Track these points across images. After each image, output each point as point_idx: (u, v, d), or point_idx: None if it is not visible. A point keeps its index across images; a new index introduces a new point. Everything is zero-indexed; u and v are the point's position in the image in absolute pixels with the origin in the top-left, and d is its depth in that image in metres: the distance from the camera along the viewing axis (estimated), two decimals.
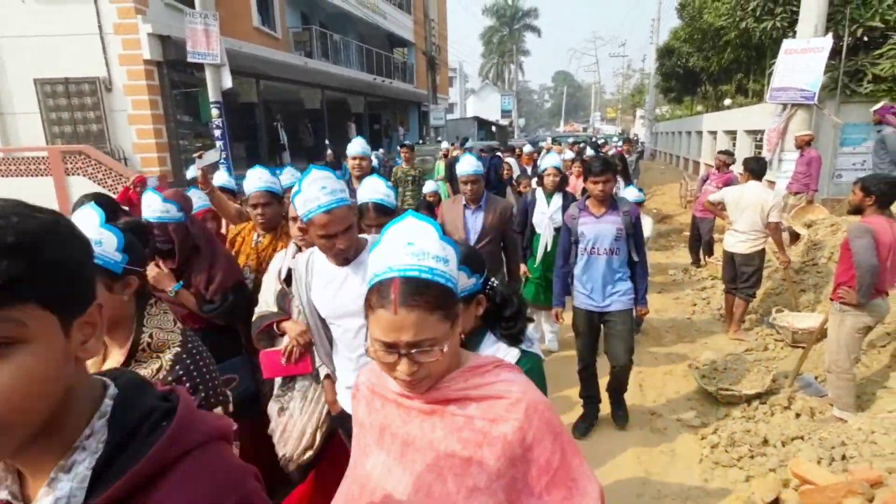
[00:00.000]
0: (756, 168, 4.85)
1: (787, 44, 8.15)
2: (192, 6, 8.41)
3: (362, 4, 18.36)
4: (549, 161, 4.55)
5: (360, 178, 3.99)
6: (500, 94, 46.65)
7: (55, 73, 9.52)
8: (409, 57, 24.90)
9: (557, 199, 4.33)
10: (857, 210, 3.28)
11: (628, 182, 6.38)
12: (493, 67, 54.14)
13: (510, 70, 52.17)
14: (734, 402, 3.58)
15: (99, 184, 8.82)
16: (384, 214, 2.19)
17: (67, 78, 9.56)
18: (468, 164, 3.49)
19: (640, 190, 5.61)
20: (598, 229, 3.15)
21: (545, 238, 4.31)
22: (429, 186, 6.15)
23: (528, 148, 11.81)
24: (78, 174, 8.91)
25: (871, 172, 6.55)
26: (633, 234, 3.15)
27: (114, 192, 8.93)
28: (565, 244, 3.30)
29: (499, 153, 10.44)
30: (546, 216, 4.31)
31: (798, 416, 3.35)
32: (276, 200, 2.75)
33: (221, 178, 3.83)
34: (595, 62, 57.65)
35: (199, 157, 3.52)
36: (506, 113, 41.35)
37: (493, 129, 33.76)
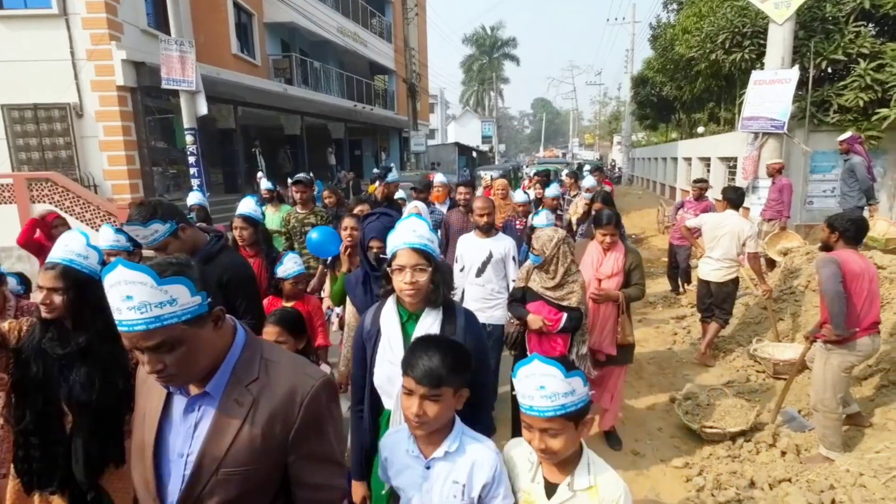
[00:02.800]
0: (734, 198, 4.87)
1: (755, 75, 8.38)
2: (169, 32, 8.33)
3: (342, 33, 18.53)
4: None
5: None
6: (480, 121, 47.36)
7: (24, 99, 9.28)
8: (390, 84, 25.14)
9: None
10: (826, 247, 3.34)
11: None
12: (473, 94, 55.10)
13: (490, 97, 53.14)
14: (718, 440, 3.48)
15: (66, 211, 8.52)
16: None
17: (36, 104, 9.32)
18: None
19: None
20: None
21: None
22: None
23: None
24: (44, 201, 8.61)
25: (840, 199, 6.74)
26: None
27: (81, 220, 8.66)
28: None
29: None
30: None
31: (784, 454, 3.25)
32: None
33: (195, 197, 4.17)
34: (573, 90, 58.95)
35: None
36: (486, 139, 41.90)
37: (474, 154, 34.09)
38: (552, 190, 5.91)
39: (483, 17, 73.01)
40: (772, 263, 6.42)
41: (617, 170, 31.71)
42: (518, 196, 5.91)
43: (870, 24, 9.00)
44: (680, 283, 7.06)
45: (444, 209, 5.46)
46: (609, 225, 3.36)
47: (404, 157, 25.23)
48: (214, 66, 11.48)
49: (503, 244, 3.60)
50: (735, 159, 10.89)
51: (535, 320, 2.89)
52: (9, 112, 9.34)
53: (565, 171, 9.07)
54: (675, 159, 17.24)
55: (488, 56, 52.30)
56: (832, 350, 3.10)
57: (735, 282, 4.83)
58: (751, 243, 4.60)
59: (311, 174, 7.20)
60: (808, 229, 8.35)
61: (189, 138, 8.54)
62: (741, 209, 4.91)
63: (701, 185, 6.78)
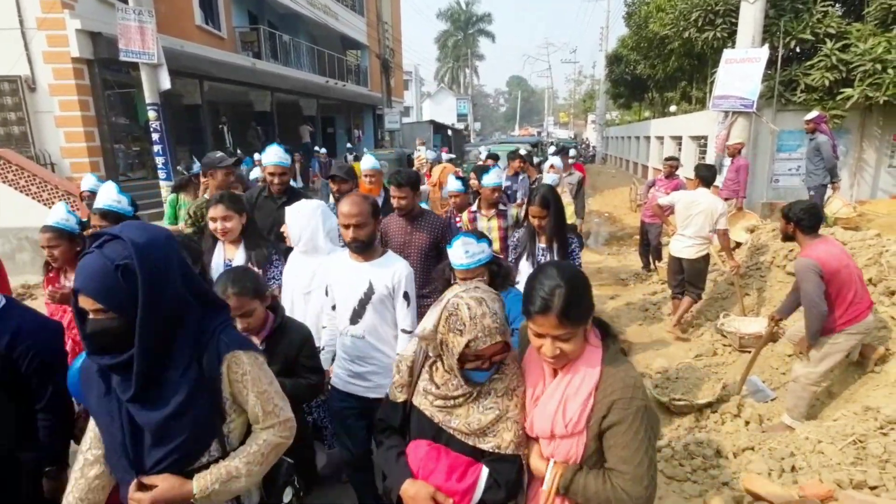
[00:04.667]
0: (706, 175, 4.94)
1: (727, 53, 8.47)
2: (126, 1, 7.88)
3: (312, 5, 17.92)
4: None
5: (281, 193, 3.39)
6: (455, 98, 46.83)
7: None
8: (363, 60, 24.54)
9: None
10: (786, 237, 3.36)
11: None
12: (448, 71, 54.34)
13: (465, 74, 52.51)
14: (687, 412, 3.59)
15: (21, 191, 8.11)
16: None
17: None
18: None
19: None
20: None
21: None
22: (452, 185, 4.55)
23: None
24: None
25: (806, 177, 6.92)
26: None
27: (38, 200, 8.26)
28: None
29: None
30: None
31: (747, 423, 3.38)
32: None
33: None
34: (548, 68, 58.65)
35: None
36: (461, 117, 41.49)
37: (449, 132, 33.72)
38: (491, 177, 4.02)
39: None
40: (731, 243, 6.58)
41: (591, 149, 31.93)
42: (451, 183, 4.53)
43: (837, 5, 9.16)
44: (651, 260, 7.19)
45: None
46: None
47: (378, 135, 24.82)
48: (178, 39, 10.97)
49: (391, 272, 2.23)
50: (706, 138, 11.07)
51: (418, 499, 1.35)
52: None
53: (522, 151, 7.01)
54: (647, 138, 17.43)
55: (463, 32, 51.50)
56: (843, 330, 3.13)
57: (706, 258, 4.94)
58: (722, 220, 4.70)
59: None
60: (773, 207, 8.59)
61: (152, 114, 8.16)
62: (712, 187, 5.00)
63: (672, 164, 6.85)
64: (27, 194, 8.16)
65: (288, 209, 2.79)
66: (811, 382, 3.21)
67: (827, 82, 8.32)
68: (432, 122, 29.63)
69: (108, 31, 8.82)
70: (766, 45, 8.30)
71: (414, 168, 8.66)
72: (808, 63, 8.63)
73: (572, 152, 8.89)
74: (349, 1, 21.95)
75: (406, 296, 2.23)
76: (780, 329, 3.71)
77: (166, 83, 8.06)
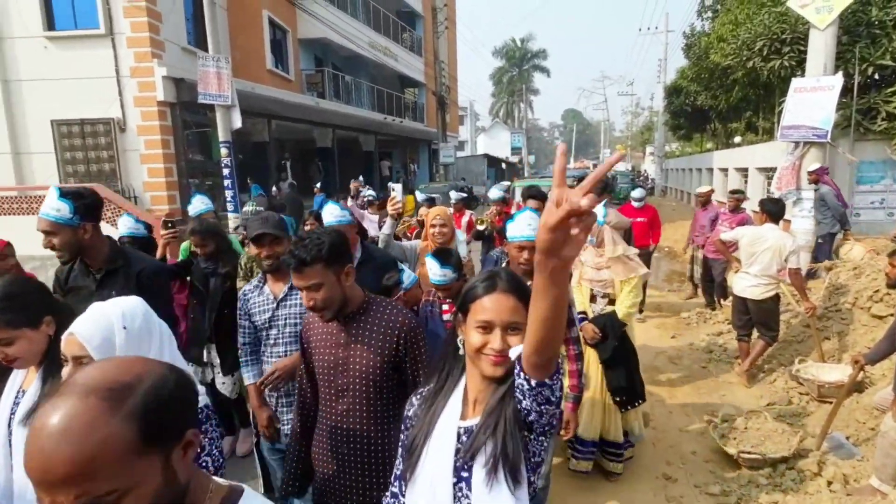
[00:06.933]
0: (774, 210, 4.65)
1: (796, 82, 8.06)
2: (207, 49, 8.63)
3: (373, 47, 18.87)
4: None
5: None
6: (509, 132, 47.26)
7: (71, 115, 9.75)
8: (420, 97, 25.42)
9: None
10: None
11: None
12: (503, 106, 55.16)
13: (520, 108, 53.06)
14: (758, 466, 3.28)
15: (107, 222, 8.87)
16: None
17: (83, 119, 9.78)
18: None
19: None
20: None
21: None
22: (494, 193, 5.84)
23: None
24: None
25: (817, 226, 6.86)
26: None
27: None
28: None
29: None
30: None
31: (830, 483, 3.04)
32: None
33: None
34: (604, 100, 58.29)
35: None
36: (516, 150, 41.74)
37: (503, 165, 33.98)
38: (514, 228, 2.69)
39: (513, 30, 73.30)
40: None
41: (650, 181, 31.08)
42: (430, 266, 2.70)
43: None
44: (715, 298, 6.79)
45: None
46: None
47: (433, 169, 25.40)
48: (250, 81, 11.82)
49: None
50: (774, 170, 10.49)
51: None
52: (58, 127, 9.83)
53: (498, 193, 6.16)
54: (710, 170, 16.77)
55: (518, 68, 52.36)
56: None
57: (775, 298, 4.59)
58: (793, 259, 4.38)
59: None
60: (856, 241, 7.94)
61: (224, 151, 8.78)
62: (781, 222, 4.69)
63: (737, 197, 6.55)
64: (112, 225, 8.90)
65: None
66: None
67: None
68: (486, 155, 29.96)
69: (189, 77, 9.65)
70: (840, 73, 7.85)
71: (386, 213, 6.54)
72: (889, 90, 8.06)
73: (637, 193, 7.19)
74: (408, 42, 22.97)
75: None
76: (866, 376, 3.36)
77: (238, 122, 8.67)
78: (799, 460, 3.26)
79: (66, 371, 1.27)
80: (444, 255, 2.53)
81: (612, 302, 3.22)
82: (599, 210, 3.27)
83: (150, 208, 9.94)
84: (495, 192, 5.77)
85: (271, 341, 2.37)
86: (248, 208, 4.60)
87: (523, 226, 2.32)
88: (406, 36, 22.83)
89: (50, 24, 9.62)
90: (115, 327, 1.25)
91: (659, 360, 5.29)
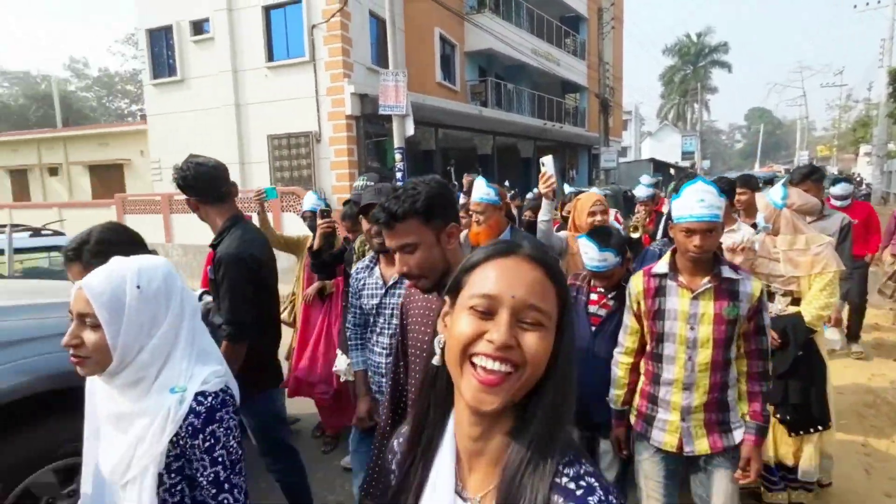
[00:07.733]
0: None
1: None
2: (387, 67, 9.65)
3: (537, 54, 19.01)
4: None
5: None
6: (680, 135, 43.42)
7: (281, 130, 11.69)
8: (581, 101, 24.83)
9: None
10: None
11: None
12: (673, 108, 50.97)
13: (693, 109, 48.44)
14: None
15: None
16: None
17: (290, 133, 11.66)
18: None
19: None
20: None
21: None
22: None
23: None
24: (290, 210, 10.65)
25: None
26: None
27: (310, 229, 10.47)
28: None
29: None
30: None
31: None
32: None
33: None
34: (801, 95, 49.95)
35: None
36: (687, 154, 38.18)
37: (672, 171, 31.31)
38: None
39: (686, 23, 67.26)
40: None
41: (864, 186, 25.79)
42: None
43: None
44: None
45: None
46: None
47: (592, 174, 24.57)
48: (420, 94, 12.86)
49: None
50: None
51: None
52: (271, 140, 11.87)
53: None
54: None
55: (693, 65, 48.00)
56: None
57: None
58: None
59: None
60: None
61: (398, 156, 9.70)
62: None
63: None
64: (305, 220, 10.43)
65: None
66: None
67: None
68: (652, 160, 28.04)
69: (371, 92, 10.88)
70: None
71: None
72: None
73: (838, 189, 5.20)
74: (571, 47, 22.63)
75: None
76: None
77: (411, 130, 9.50)
78: None
79: (69, 331, 1.15)
80: (603, 235, 2.19)
81: (795, 301, 2.71)
82: (778, 190, 2.77)
83: (336, 209, 11.39)
84: (643, 190, 4.86)
85: (377, 329, 2.16)
86: (359, 182, 4.00)
87: (692, 202, 1.81)
88: (569, 40, 22.53)
89: (270, 55, 11.69)
90: (128, 285, 1.16)
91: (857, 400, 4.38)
